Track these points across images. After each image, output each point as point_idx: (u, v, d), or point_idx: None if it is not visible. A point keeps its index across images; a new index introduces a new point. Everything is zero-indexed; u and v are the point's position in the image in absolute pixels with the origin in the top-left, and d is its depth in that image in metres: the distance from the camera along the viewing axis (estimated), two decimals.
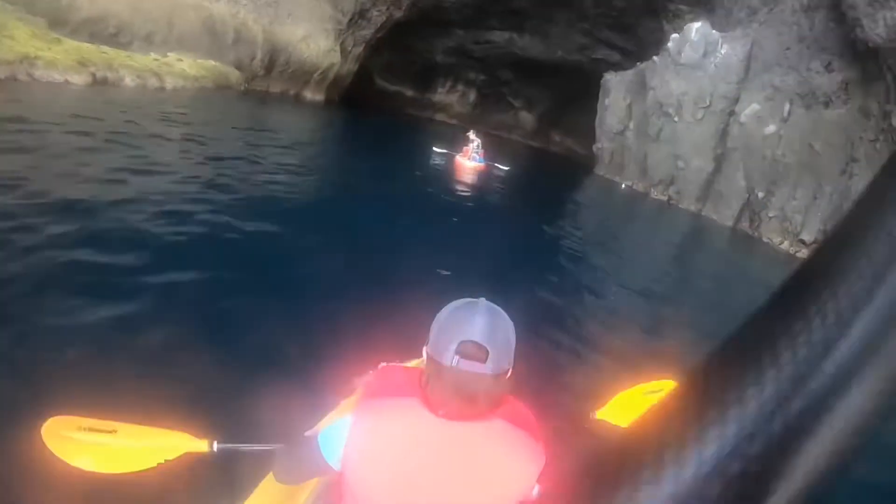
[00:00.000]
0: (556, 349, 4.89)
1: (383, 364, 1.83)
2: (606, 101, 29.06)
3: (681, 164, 23.92)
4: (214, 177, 8.19)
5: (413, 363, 2.14)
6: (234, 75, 22.44)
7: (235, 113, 17.22)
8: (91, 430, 2.00)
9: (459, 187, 14.73)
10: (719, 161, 22.86)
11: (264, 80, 25.52)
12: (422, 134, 29.29)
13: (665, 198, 24.90)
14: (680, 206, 24.04)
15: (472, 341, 1.27)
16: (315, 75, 28.33)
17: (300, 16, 26.57)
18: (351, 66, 32.71)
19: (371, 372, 1.91)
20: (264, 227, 6.45)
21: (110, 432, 2.01)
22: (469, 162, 17.71)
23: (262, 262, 5.47)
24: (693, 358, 0.49)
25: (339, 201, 9.39)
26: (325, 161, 13.74)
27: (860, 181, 17.31)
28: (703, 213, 23.09)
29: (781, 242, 19.68)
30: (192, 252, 5.19)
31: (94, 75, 14.50)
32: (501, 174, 18.66)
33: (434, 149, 18.98)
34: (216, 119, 14.94)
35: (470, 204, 12.98)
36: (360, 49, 32.64)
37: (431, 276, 5.64)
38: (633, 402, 2.26)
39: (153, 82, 16.96)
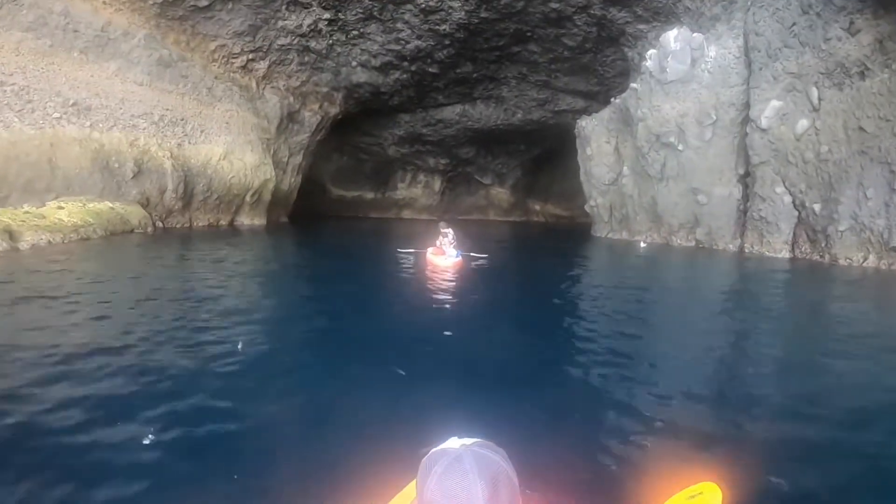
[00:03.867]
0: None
1: None
2: (588, 151, 25.08)
3: (701, 198, 19.53)
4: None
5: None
6: (138, 215, 18.05)
7: (122, 267, 12.37)
8: None
9: (440, 292, 10.15)
10: (748, 182, 18.53)
11: (184, 214, 21.19)
12: (387, 238, 24.32)
13: (692, 243, 20.34)
14: (714, 247, 19.44)
15: None
16: (247, 197, 24.06)
17: (215, 130, 22.62)
18: (293, 179, 28.72)
19: None
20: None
21: None
22: (444, 259, 13.32)
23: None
24: None
25: (299, 348, 6.24)
26: (268, 310, 8.79)
27: None
28: (746, 250, 18.48)
29: (865, 259, 15.07)
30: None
31: None
32: (482, 265, 14.19)
33: (399, 251, 15.21)
34: (81, 283, 10.16)
35: (459, 310, 8.48)
36: (299, 158, 28.75)
37: (432, 420, 3.59)
38: None
39: (1, 245, 12.41)
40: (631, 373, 5.47)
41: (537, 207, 50.93)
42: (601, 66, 27.88)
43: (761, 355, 6.40)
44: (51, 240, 13.68)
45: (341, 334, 6.69)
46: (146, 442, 3.49)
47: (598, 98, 30.39)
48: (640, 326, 7.98)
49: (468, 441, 1.32)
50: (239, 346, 5.50)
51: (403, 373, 5.02)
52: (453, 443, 1.33)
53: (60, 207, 16.26)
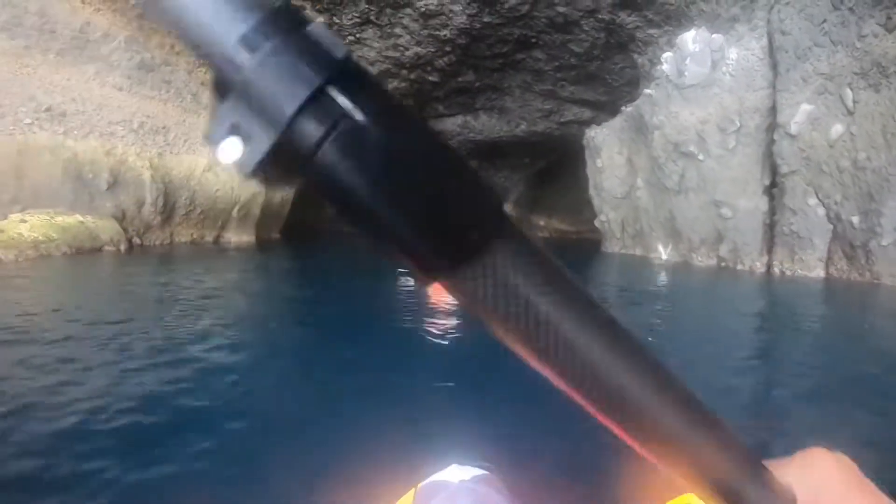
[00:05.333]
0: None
1: None
2: (598, 162, 23.64)
3: (725, 211, 18.04)
4: None
5: None
6: (109, 231, 16.54)
7: (73, 293, 10.93)
8: None
9: (443, 315, 8.76)
10: (775, 194, 17.06)
11: (163, 230, 19.67)
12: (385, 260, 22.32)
13: (714, 261, 18.81)
14: (738, 266, 17.90)
15: None
16: (234, 212, 22.56)
17: (200, 139, 21.17)
18: (285, 193, 27.21)
19: None
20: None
21: None
22: None
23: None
24: None
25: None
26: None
27: None
28: (775, 268, 16.95)
29: None
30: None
31: None
32: None
33: (399, 271, 13.65)
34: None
35: (463, 336, 7.20)
36: None
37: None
38: None
39: None
40: None
41: (542, 223, 49.46)
42: (609, 74, 26.52)
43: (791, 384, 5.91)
44: (1, 257, 12.17)
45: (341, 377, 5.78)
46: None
47: (605, 108, 29.01)
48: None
49: (467, 475, 1.25)
50: None
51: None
52: (453, 472, 1.27)
53: (23, 221, 14.79)
